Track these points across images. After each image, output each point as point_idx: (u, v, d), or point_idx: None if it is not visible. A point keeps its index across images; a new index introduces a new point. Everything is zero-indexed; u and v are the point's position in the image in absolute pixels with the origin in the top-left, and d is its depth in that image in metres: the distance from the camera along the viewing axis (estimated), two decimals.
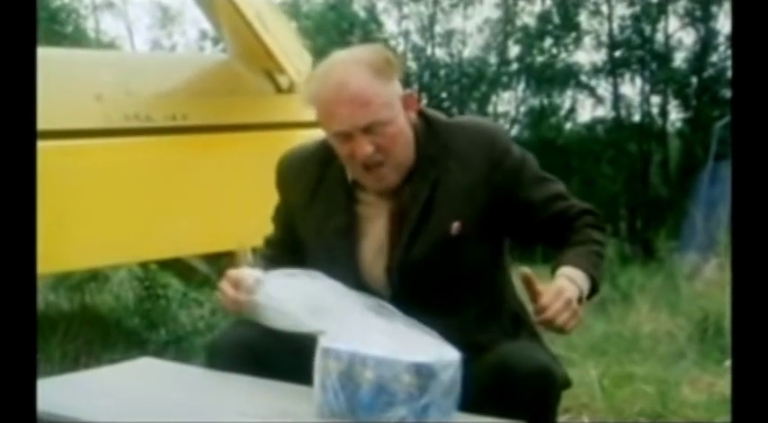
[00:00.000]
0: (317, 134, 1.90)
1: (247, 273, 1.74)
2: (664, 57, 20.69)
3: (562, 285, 1.65)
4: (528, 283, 1.61)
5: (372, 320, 1.50)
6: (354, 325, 1.48)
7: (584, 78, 21.96)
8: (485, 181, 1.77)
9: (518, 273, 1.64)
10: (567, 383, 1.76)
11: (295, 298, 1.58)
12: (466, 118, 1.93)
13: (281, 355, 1.66)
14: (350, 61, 1.73)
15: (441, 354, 1.39)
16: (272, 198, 1.98)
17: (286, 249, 1.93)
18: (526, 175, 1.83)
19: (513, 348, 1.70)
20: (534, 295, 1.62)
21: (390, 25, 22.73)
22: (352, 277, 1.73)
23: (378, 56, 1.74)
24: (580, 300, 1.67)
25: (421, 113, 1.86)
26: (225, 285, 1.75)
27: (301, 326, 1.52)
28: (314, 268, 1.73)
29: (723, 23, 19.54)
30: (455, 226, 1.74)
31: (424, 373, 1.34)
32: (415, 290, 1.70)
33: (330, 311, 1.52)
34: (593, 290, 1.73)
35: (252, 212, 2.23)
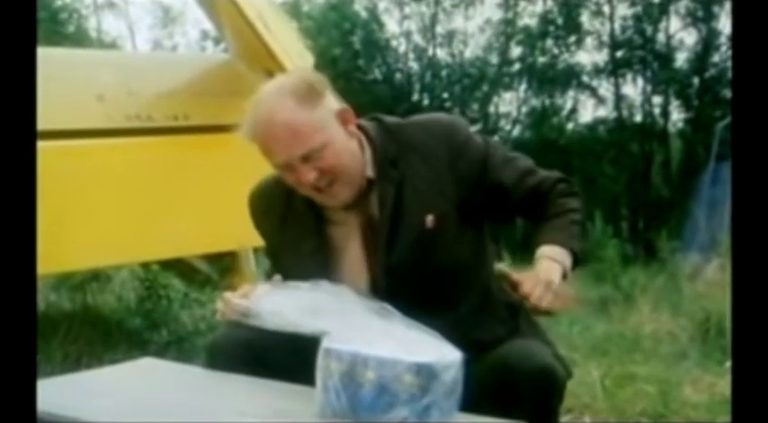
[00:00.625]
0: None
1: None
2: (665, 57, 20.69)
3: (541, 269, 1.70)
4: (505, 278, 1.66)
5: (374, 322, 1.50)
6: (356, 326, 1.48)
7: (585, 79, 21.97)
8: (450, 172, 1.78)
9: (496, 272, 1.69)
10: (568, 375, 1.75)
11: (292, 300, 1.58)
12: (422, 116, 1.93)
13: (280, 356, 1.66)
14: (273, 94, 1.75)
15: (442, 354, 1.39)
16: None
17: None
18: (492, 160, 1.84)
19: (515, 348, 1.70)
20: (514, 286, 1.65)
21: (392, 25, 22.74)
22: None
23: (301, 82, 1.74)
24: (565, 276, 1.72)
25: (374, 119, 1.87)
26: (231, 295, 1.74)
27: (298, 327, 1.51)
28: None
29: (724, 24, 19.54)
30: (429, 219, 1.75)
31: (425, 374, 1.34)
32: (404, 292, 1.68)
33: (330, 313, 1.52)
34: (576, 260, 1.77)
35: None
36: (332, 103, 1.77)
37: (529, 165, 1.89)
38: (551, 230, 1.79)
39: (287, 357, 1.64)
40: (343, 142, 1.75)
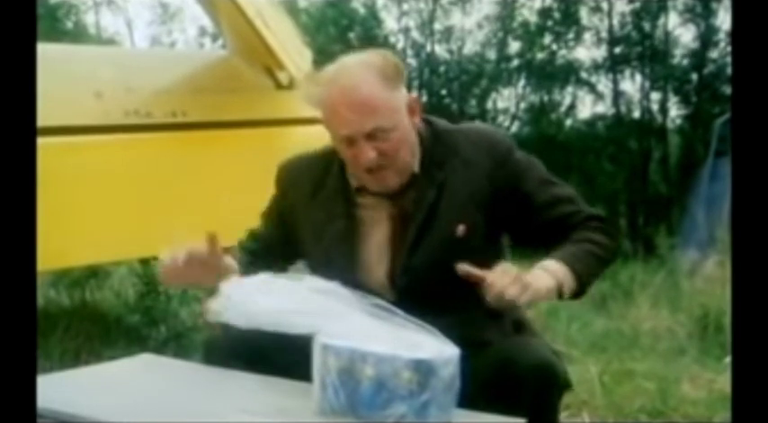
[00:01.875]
0: (317, 131, 1.90)
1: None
2: (664, 53, 20.68)
3: (512, 267, 1.64)
4: (469, 275, 1.61)
5: (369, 318, 1.49)
6: (352, 323, 1.47)
7: (584, 75, 21.94)
8: (488, 181, 1.79)
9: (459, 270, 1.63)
10: (567, 384, 1.74)
11: (278, 299, 1.55)
12: (469, 123, 1.94)
13: (277, 353, 1.65)
14: (360, 66, 1.74)
15: (440, 350, 1.39)
16: (271, 195, 1.99)
17: (273, 247, 1.94)
18: (530, 175, 1.83)
19: (515, 344, 1.70)
20: (479, 280, 1.61)
21: (390, 22, 22.71)
22: (352, 280, 1.72)
23: (387, 62, 1.75)
24: (561, 295, 1.67)
25: (425, 120, 1.87)
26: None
27: (282, 326, 1.49)
28: (313, 272, 1.75)
29: (723, 20, 19.52)
30: (460, 229, 1.76)
31: (423, 370, 1.34)
32: (419, 292, 1.70)
33: (321, 311, 1.51)
34: (581, 287, 1.72)
35: (252, 209, 2.22)
36: (404, 90, 1.79)
37: (568, 193, 1.86)
38: (561, 251, 1.75)
39: (283, 355, 1.63)
40: (407, 130, 1.77)
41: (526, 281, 1.60)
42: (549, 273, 1.67)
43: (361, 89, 1.69)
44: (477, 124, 1.96)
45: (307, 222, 1.87)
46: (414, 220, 1.78)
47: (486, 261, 1.78)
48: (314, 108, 1.77)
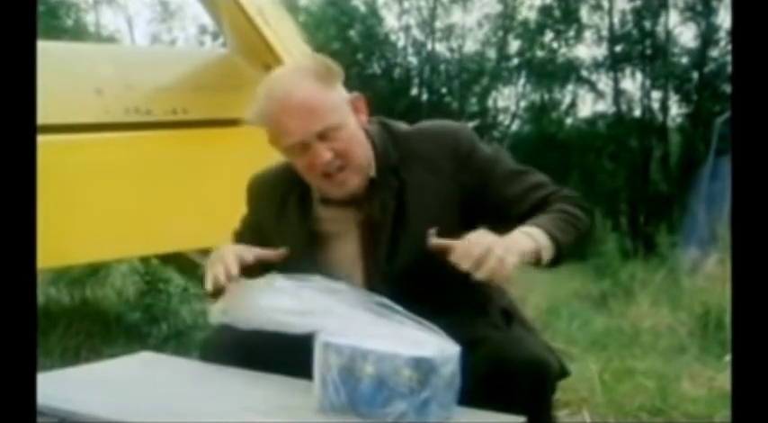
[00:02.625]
0: None
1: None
2: (664, 51, 20.69)
3: (484, 234, 1.57)
4: (439, 247, 1.56)
5: (372, 316, 1.49)
6: (354, 321, 1.47)
7: (584, 73, 21.97)
8: (454, 181, 1.76)
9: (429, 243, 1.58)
10: (563, 373, 1.74)
11: (276, 298, 1.54)
12: (428, 123, 1.90)
13: (273, 352, 1.64)
14: (290, 73, 1.76)
15: (441, 348, 1.39)
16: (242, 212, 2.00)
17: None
18: (497, 169, 1.80)
19: (508, 339, 1.68)
20: (449, 251, 1.55)
21: (390, 20, 22.73)
22: None
23: (317, 64, 1.75)
24: (539, 261, 1.61)
25: (381, 123, 1.86)
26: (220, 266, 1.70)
27: (285, 326, 1.49)
28: None
29: (724, 18, 19.55)
30: (432, 232, 1.69)
31: (424, 368, 1.34)
32: (401, 299, 1.60)
33: (324, 311, 1.50)
34: (559, 256, 1.64)
35: None
36: (342, 89, 1.78)
37: (538, 180, 1.81)
38: (537, 219, 1.67)
39: (280, 354, 1.62)
40: (355, 128, 1.76)
41: (503, 253, 1.51)
42: (528, 236, 1.60)
43: (297, 94, 1.69)
44: (435, 123, 1.89)
45: (276, 237, 1.84)
46: (383, 227, 1.76)
47: None
48: (260, 127, 1.76)
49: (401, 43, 22.47)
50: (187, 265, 4.76)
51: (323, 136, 1.68)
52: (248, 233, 1.93)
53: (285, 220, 1.84)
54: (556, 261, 1.65)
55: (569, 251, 1.66)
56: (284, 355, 1.58)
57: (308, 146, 1.69)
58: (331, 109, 1.70)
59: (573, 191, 1.82)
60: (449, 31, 22.44)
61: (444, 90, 22.28)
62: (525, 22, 21.94)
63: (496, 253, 1.51)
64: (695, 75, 20.47)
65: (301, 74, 1.72)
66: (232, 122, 3.98)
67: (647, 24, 20.88)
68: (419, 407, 1.33)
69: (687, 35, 20.75)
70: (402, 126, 1.87)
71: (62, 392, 1.45)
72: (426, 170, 1.77)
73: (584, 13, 21.70)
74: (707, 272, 7.11)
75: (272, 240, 1.84)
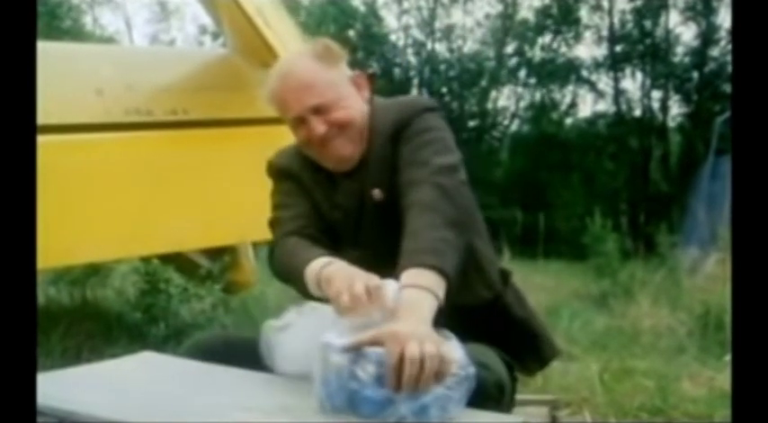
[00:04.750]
0: None
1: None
2: (665, 51, 20.72)
3: (403, 312, 1.45)
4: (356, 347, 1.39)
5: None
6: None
7: (584, 73, 21.99)
8: (391, 143, 1.82)
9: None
10: (497, 389, 1.57)
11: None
12: (396, 98, 1.95)
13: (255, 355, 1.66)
14: (293, 55, 1.93)
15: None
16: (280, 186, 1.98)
17: (318, 232, 1.85)
18: (420, 137, 1.79)
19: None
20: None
21: (390, 20, 22.76)
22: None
23: (318, 45, 1.85)
24: (439, 305, 1.49)
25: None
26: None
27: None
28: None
29: (724, 18, 19.58)
30: (376, 192, 1.79)
31: None
32: (380, 266, 1.58)
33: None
34: (448, 275, 1.52)
35: (253, 207, 2.23)
36: (346, 69, 1.88)
37: (431, 158, 1.73)
38: (416, 249, 1.56)
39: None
40: (355, 100, 1.85)
41: (430, 351, 1.34)
42: (426, 291, 1.49)
43: (297, 72, 1.81)
44: (402, 97, 1.95)
45: (319, 193, 1.89)
46: (351, 191, 1.83)
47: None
48: (271, 107, 1.87)
49: (401, 43, 22.51)
50: (187, 265, 4.78)
51: (318, 110, 1.79)
52: (301, 198, 1.90)
53: (324, 181, 1.89)
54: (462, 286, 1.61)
55: (456, 262, 1.57)
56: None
57: (305, 120, 1.79)
58: (328, 85, 1.80)
59: (447, 162, 1.74)
60: (449, 31, 22.46)
61: (444, 90, 22.29)
62: (525, 22, 21.96)
63: (428, 359, 1.34)
64: (695, 74, 20.49)
65: (302, 55, 1.85)
66: (232, 122, 4.01)
67: (648, 24, 20.90)
68: (418, 410, 1.33)
69: (687, 35, 20.83)
70: (378, 100, 1.92)
71: (62, 392, 1.45)
72: (378, 136, 1.84)
73: (585, 13, 21.74)
74: (707, 272, 7.13)
75: (323, 200, 1.88)
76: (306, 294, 1.67)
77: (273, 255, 1.85)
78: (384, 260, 1.58)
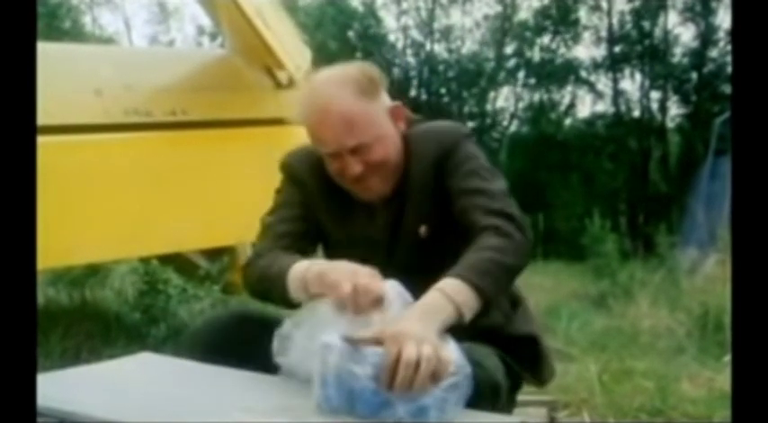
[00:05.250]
0: None
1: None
2: (663, 52, 20.74)
3: (412, 312, 1.45)
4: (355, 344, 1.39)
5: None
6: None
7: (583, 74, 22.02)
8: (437, 180, 1.77)
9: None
10: (494, 384, 1.56)
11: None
12: (429, 123, 1.89)
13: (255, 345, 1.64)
14: (333, 82, 1.72)
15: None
16: (272, 193, 1.97)
17: (305, 241, 1.86)
18: (465, 166, 1.77)
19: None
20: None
21: (389, 20, 22.77)
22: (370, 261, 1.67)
23: (361, 74, 1.73)
24: (462, 318, 1.49)
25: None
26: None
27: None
28: (333, 253, 1.81)
29: (723, 18, 19.61)
30: (422, 229, 1.74)
31: None
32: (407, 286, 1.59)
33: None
34: (485, 304, 1.53)
35: (252, 208, 2.22)
36: (386, 98, 1.78)
37: (485, 186, 1.74)
38: (458, 265, 1.56)
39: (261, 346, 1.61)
40: (392, 138, 1.76)
41: (428, 353, 1.34)
42: (445, 297, 1.49)
43: (337, 109, 1.68)
44: (436, 123, 1.88)
45: (328, 208, 1.85)
46: (386, 223, 1.79)
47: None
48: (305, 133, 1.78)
49: (400, 44, 22.52)
50: (186, 265, 4.78)
51: (356, 150, 1.70)
52: (299, 208, 1.88)
53: (336, 191, 1.84)
54: (482, 313, 1.55)
55: (497, 294, 1.58)
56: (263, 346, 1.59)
57: (341, 156, 1.72)
58: (368, 124, 1.70)
59: (506, 207, 1.72)
60: (447, 32, 22.48)
61: (443, 91, 22.31)
62: (524, 23, 21.98)
63: (425, 361, 1.34)
64: (694, 75, 20.52)
65: (344, 85, 1.71)
66: (231, 123, 4.01)
67: (646, 25, 20.93)
68: (416, 412, 1.33)
69: (686, 36, 20.85)
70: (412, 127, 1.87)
71: (62, 393, 1.45)
72: (419, 166, 1.78)
73: (584, 14, 21.76)
74: (706, 272, 7.13)
75: (326, 209, 1.85)
76: (284, 303, 1.67)
77: (249, 267, 1.79)
78: (414, 292, 1.55)
